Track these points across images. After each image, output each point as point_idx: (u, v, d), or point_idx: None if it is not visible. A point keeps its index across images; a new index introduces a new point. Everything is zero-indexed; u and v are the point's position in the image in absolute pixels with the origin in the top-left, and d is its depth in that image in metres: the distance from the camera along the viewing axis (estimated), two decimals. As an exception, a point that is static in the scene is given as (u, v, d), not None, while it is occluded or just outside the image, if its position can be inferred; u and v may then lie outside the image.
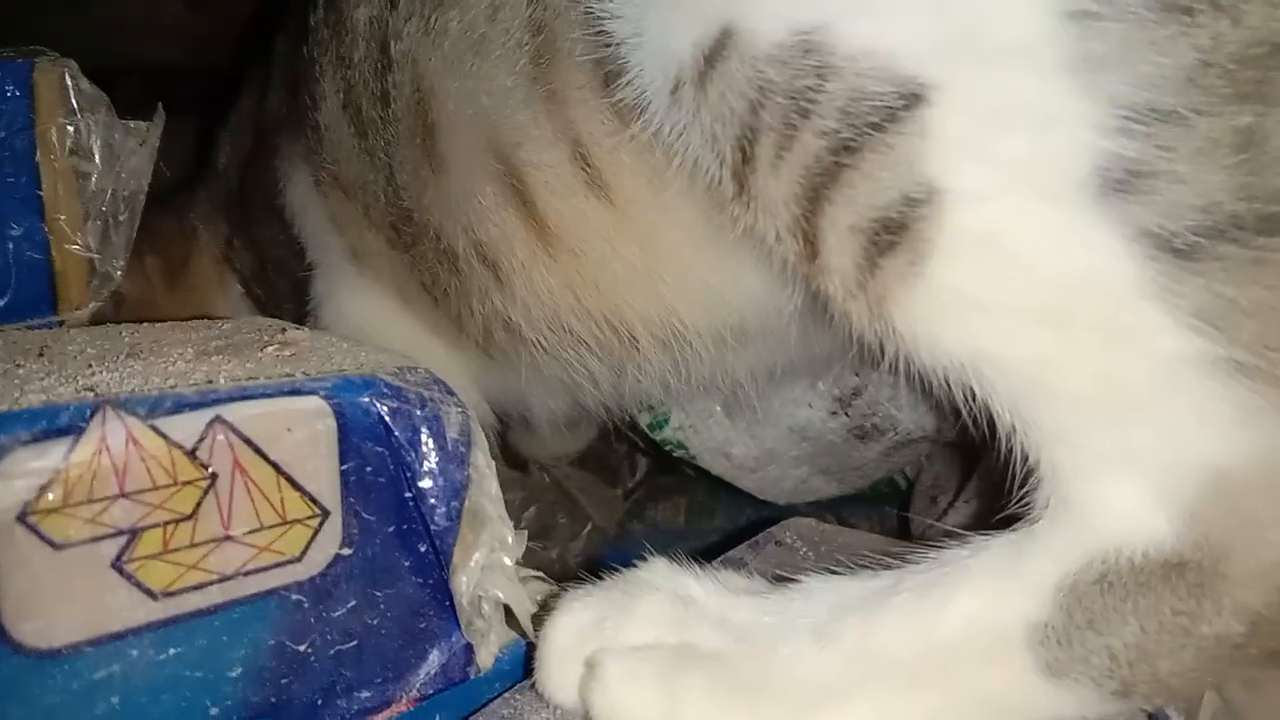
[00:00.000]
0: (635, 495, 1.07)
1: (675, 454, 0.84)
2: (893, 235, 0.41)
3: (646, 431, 0.84)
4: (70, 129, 0.61)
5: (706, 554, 0.55)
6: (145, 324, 0.57)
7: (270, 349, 0.50)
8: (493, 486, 0.48)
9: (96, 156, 0.62)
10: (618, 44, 0.50)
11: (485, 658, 0.50)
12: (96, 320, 0.64)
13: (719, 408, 0.80)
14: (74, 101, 0.61)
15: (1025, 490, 0.43)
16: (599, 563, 0.57)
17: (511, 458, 1.03)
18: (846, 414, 0.78)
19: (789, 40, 0.42)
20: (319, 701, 0.45)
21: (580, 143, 0.56)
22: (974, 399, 0.43)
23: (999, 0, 0.39)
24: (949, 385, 0.43)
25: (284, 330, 0.54)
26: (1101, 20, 0.38)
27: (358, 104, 0.66)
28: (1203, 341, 0.39)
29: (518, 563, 0.50)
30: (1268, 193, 0.38)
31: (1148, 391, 0.40)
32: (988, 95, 0.40)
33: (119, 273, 0.63)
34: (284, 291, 0.76)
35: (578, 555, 0.96)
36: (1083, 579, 0.41)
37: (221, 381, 0.43)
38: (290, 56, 0.73)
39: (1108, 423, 0.40)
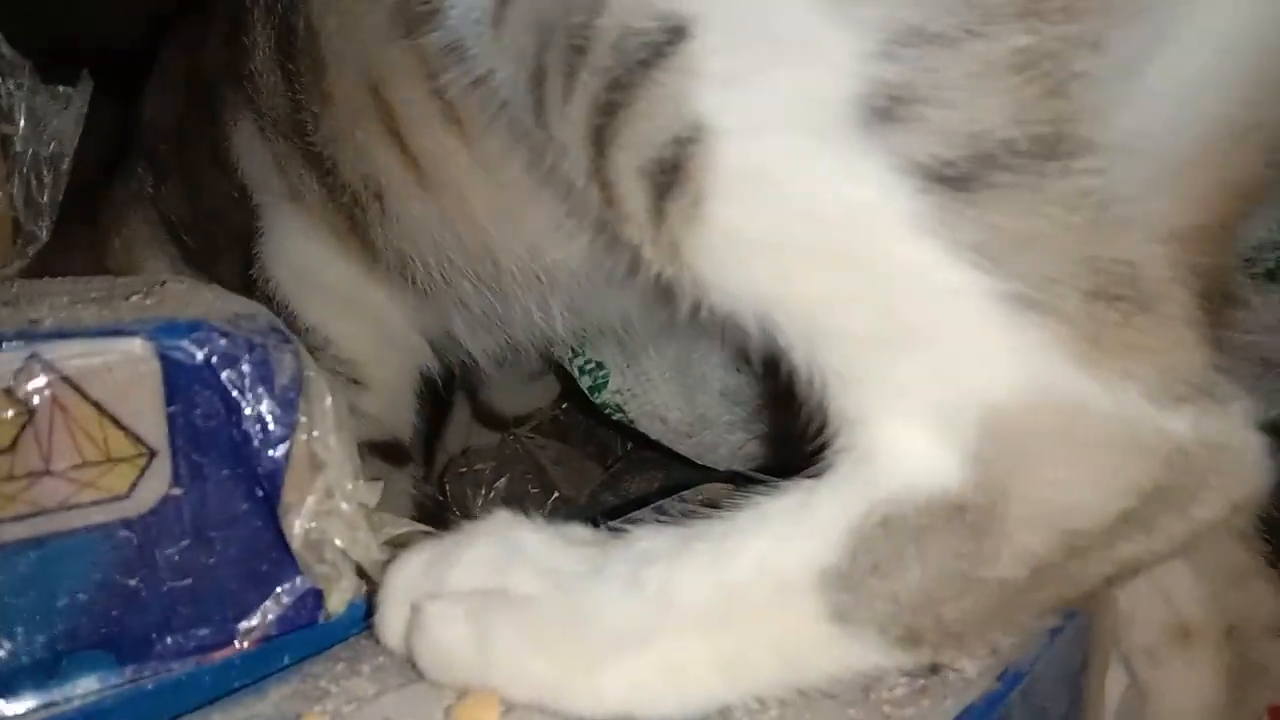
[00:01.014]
0: (614, 468, 1.07)
1: (615, 418, 0.84)
2: (669, 176, 0.41)
3: (587, 395, 0.84)
4: (-9, 91, 0.64)
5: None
6: (50, 279, 0.59)
7: (135, 298, 0.51)
8: (332, 434, 0.49)
9: (20, 119, 0.64)
10: None
11: (336, 603, 0.50)
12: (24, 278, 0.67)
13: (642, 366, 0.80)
14: (-6, 65, 0.64)
15: (823, 434, 0.42)
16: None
17: (486, 416, 1.05)
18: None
19: None
20: (153, 635, 0.47)
21: (436, 76, 0.57)
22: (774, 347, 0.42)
23: None
24: (749, 334, 0.42)
25: (164, 283, 0.55)
26: None
27: (282, 46, 0.68)
28: (980, 275, 0.37)
29: (369, 510, 0.50)
30: (1043, 115, 0.37)
31: (927, 329, 0.39)
32: (745, 25, 0.39)
33: (45, 233, 0.66)
34: (222, 243, 0.78)
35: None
36: (868, 522, 0.40)
37: (48, 323, 0.45)
38: (229, 8, 0.76)
39: (889, 363, 0.40)
